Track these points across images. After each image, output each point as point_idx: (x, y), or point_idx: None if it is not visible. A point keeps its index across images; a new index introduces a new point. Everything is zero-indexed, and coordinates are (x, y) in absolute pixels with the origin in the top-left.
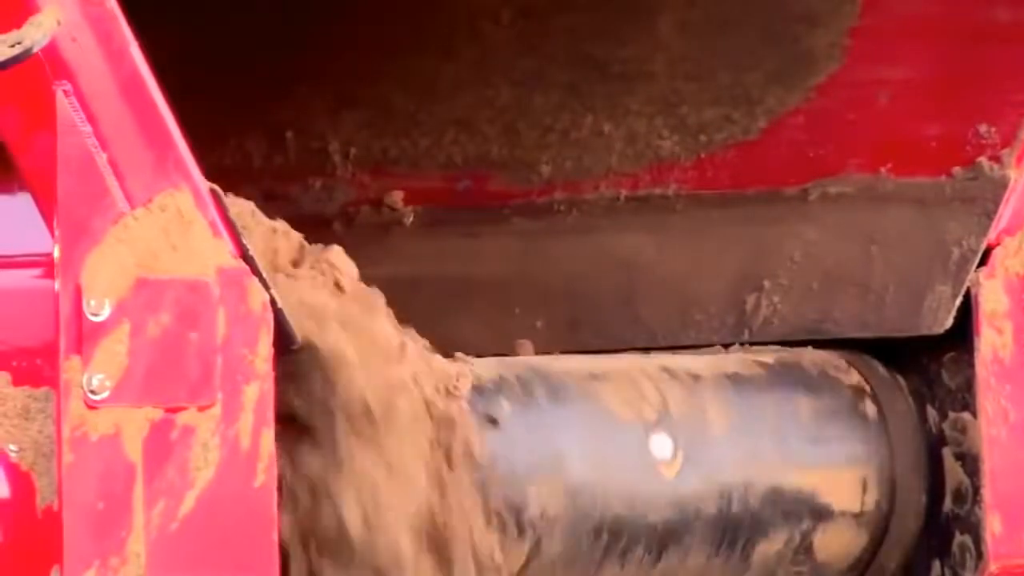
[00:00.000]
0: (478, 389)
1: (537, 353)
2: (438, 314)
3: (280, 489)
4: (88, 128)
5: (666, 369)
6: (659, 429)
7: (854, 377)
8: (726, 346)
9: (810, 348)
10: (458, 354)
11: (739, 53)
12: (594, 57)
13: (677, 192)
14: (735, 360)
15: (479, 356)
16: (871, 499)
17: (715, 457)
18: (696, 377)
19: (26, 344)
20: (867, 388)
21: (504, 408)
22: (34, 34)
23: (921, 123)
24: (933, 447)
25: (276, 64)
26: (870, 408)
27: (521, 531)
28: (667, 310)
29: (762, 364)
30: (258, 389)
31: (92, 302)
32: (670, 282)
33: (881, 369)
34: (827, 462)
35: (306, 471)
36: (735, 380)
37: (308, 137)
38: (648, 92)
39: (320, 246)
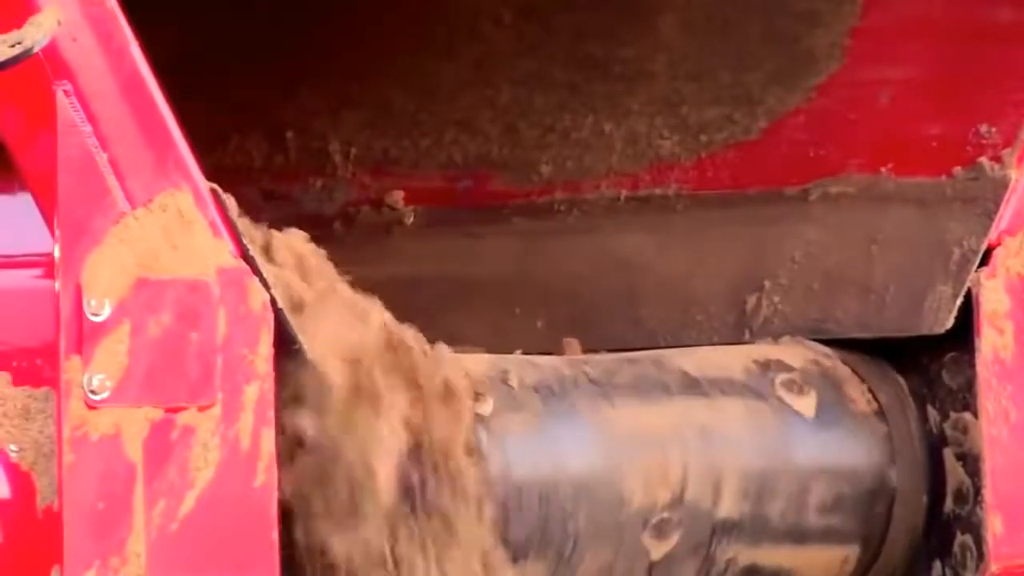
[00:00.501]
0: (492, 430)
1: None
2: (438, 314)
3: None
4: (88, 128)
5: (706, 430)
6: (666, 513)
7: (881, 429)
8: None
9: (858, 383)
10: (504, 364)
11: (740, 53)
12: (595, 57)
13: (678, 192)
14: (778, 412)
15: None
16: (847, 570)
17: (710, 536)
18: (730, 442)
19: (26, 344)
20: (895, 441)
21: (510, 485)
22: (34, 34)
23: (922, 123)
24: (934, 447)
25: (277, 64)
26: (892, 475)
27: None
28: (667, 310)
29: (802, 416)
30: (258, 389)
31: (92, 302)
32: (670, 282)
33: (904, 396)
34: (819, 544)
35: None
36: (769, 446)
37: (309, 137)
38: (649, 92)
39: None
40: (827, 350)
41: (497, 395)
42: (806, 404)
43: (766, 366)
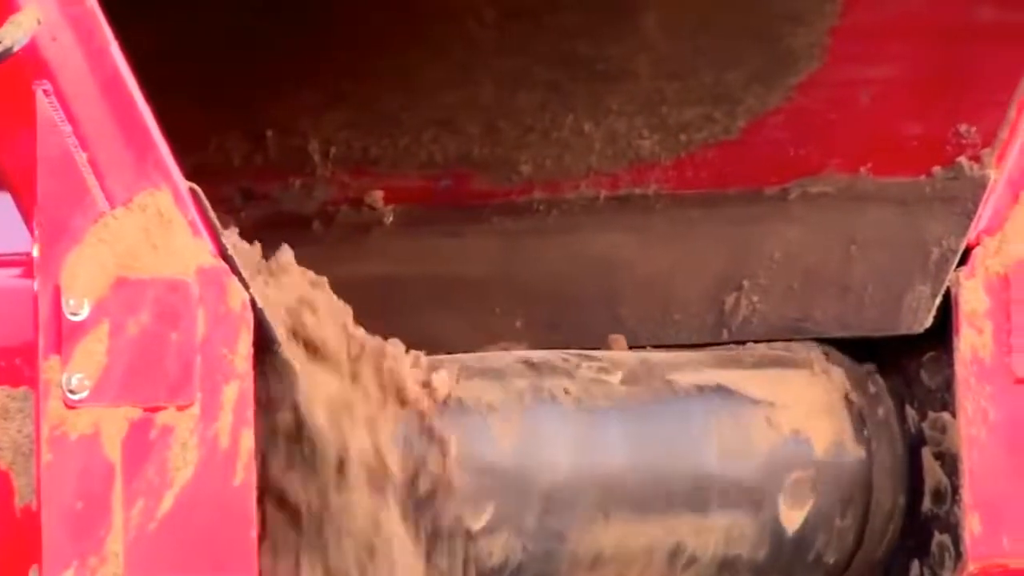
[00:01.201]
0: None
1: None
2: (418, 313)
3: None
4: (68, 127)
5: (675, 554)
6: None
7: (856, 532)
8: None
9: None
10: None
11: (721, 52)
12: (578, 56)
13: (657, 192)
14: (762, 529)
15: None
16: None
17: None
18: (696, 562)
19: (5, 343)
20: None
21: None
22: (14, 33)
23: (901, 123)
24: (912, 447)
25: (257, 63)
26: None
27: None
28: (647, 310)
29: (784, 530)
30: (237, 389)
31: (71, 302)
32: (650, 282)
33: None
34: None
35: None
36: (733, 565)
37: (288, 136)
38: (630, 91)
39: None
40: (865, 407)
41: (496, 503)
42: (795, 518)
43: (795, 445)
